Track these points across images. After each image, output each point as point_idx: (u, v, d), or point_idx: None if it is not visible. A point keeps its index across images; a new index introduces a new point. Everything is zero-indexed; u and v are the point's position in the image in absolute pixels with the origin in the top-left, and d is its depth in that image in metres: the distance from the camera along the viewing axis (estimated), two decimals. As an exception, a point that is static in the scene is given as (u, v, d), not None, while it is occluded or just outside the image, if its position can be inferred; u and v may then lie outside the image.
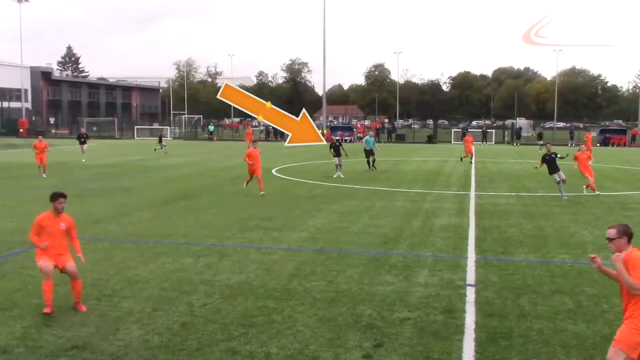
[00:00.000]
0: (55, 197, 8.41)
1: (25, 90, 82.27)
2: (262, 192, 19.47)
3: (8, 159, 35.39)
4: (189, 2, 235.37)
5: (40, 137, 28.92)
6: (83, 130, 40.36)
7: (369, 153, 29.31)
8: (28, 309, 8.37)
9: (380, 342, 7.28)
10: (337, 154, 26.34)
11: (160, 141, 45.21)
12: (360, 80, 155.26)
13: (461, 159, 35.27)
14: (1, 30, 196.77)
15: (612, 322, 7.97)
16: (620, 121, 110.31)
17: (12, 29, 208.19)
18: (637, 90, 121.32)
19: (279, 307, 8.48)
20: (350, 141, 62.41)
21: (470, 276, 10.20)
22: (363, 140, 31.64)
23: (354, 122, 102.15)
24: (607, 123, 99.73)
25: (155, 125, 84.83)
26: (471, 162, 33.45)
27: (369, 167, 28.95)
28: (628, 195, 20.95)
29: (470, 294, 9.15)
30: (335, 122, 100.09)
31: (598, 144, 59.97)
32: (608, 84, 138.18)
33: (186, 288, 9.39)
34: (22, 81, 78.61)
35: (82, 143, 36.17)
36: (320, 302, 8.73)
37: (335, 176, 25.37)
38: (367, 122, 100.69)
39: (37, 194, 20.38)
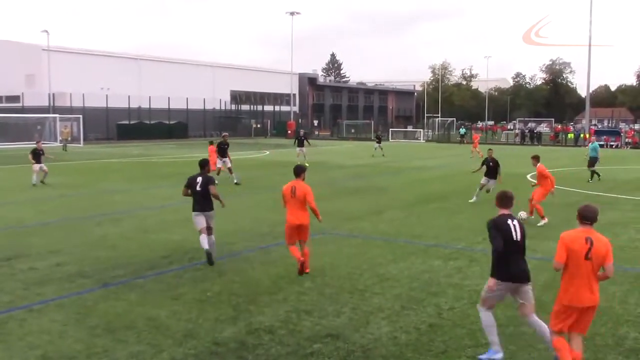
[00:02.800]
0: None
1: (294, 95, 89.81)
2: None
3: (277, 158, 38.97)
4: (445, 5, 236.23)
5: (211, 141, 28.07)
6: (302, 132, 37.50)
7: (593, 162, 25.90)
8: (291, 295, 9.14)
9: (646, 369, 6.57)
10: None
11: (379, 142, 43.82)
12: (631, 80, 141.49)
13: None
14: (277, 40, 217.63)
15: None
16: None
17: (284, 38, 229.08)
18: None
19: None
20: (617, 146, 57.18)
21: None
22: (589, 147, 28.02)
23: (621, 126, 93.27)
24: None
25: (409, 128, 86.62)
26: None
27: (593, 177, 25.54)
28: None
29: None
30: (600, 126, 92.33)
31: None
32: None
33: (434, 290, 9.46)
34: (291, 87, 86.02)
35: (300, 145, 33.93)
36: (576, 318, 8.15)
37: None
38: (637, 126, 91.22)
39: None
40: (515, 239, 6.63)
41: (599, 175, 25.65)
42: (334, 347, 7.14)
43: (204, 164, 11.17)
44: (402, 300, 8.94)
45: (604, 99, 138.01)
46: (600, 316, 8.25)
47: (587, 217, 6.24)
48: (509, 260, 6.58)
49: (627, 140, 59.76)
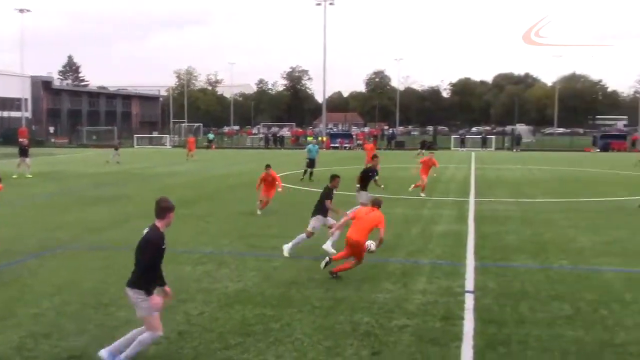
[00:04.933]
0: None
1: (26, 100, 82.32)
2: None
3: (4, 168, 35.32)
4: (189, 12, 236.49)
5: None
6: (24, 141, 33.89)
7: (311, 163, 28.28)
8: (26, 318, 8.34)
9: (378, 350, 7.25)
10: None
11: (116, 149, 42.01)
12: (361, 87, 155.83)
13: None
14: (3, 39, 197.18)
15: (611, 328, 7.95)
16: (620, 125, 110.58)
17: (13, 38, 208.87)
18: (638, 95, 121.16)
19: (277, 315, 8.46)
20: (349, 148, 62.52)
21: (469, 283, 10.17)
22: (306, 148, 30.45)
23: (353, 129, 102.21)
24: (607, 129, 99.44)
25: (155, 134, 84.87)
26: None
27: (304, 176, 28.01)
28: (628, 201, 20.90)
29: (469, 301, 9.12)
30: (335, 129, 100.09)
31: (598, 150, 60.31)
32: (609, 89, 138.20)
33: (183, 296, 9.36)
34: (22, 90, 78.67)
35: (22, 155, 30.88)
36: (318, 309, 8.70)
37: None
38: (366, 129, 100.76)
39: (34, 202, 20.42)
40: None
41: (311, 175, 27.79)
42: (77, 369, 6.67)
43: None
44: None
45: (338, 104, 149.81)
46: (339, 304, 8.92)
47: (374, 203, 10.80)
48: None
49: (358, 142, 65.64)
